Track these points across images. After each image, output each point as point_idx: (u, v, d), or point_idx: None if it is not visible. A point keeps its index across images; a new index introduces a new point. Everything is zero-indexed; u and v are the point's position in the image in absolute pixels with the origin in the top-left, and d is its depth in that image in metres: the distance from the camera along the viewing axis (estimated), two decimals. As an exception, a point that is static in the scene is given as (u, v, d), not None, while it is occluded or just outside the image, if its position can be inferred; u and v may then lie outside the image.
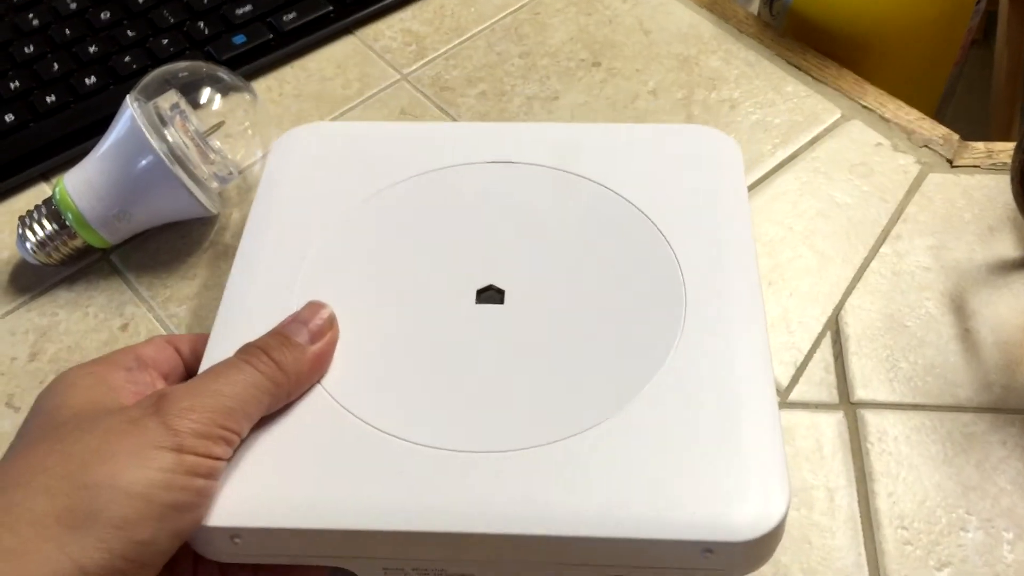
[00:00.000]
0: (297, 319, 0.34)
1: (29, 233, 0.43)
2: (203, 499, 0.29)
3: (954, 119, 0.59)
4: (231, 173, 0.45)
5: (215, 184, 0.45)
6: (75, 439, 0.29)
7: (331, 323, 0.34)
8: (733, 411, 0.32)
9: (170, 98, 0.43)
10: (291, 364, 0.32)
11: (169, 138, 0.42)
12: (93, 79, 0.51)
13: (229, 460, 0.30)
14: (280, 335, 0.33)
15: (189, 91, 0.44)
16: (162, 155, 0.42)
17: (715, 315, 0.35)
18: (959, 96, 0.65)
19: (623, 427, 0.32)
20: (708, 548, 0.29)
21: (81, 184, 0.43)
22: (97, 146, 0.43)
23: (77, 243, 0.44)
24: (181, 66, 0.45)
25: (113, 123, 0.43)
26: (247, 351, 0.32)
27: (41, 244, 0.43)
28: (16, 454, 0.30)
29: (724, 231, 0.37)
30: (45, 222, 0.43)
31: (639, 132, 0.41)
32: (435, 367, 0.34)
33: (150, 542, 0.28)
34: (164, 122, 0.43)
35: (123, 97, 0.43)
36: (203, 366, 0.34)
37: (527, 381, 0.33)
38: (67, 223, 0.43)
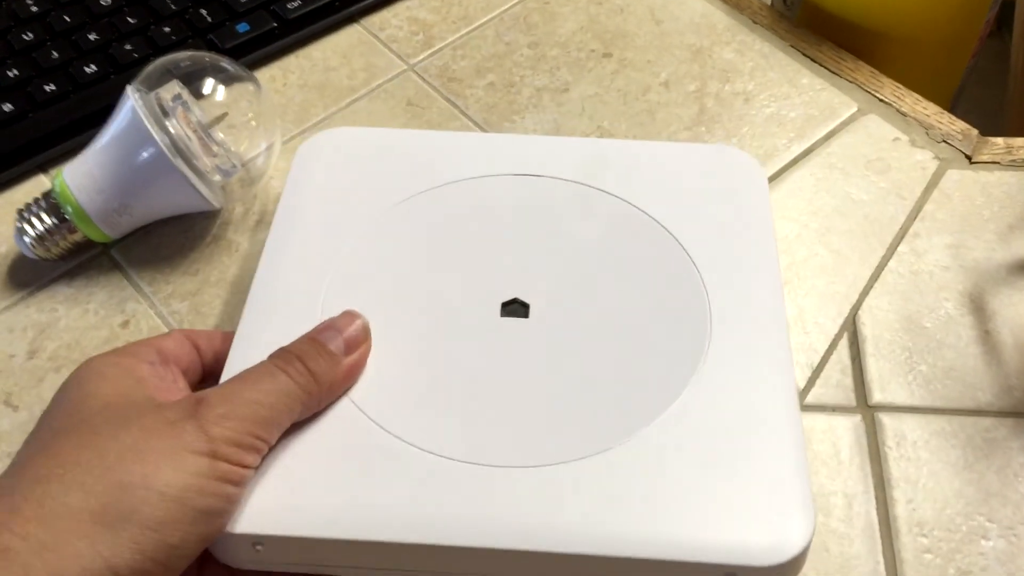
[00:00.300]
0: (333, 326, 0.33)
1: (27, 227, 0.42)
2: (231, 506, 0.30)
3: (966, 112, 0.57)
4: (234, 166, 0.44)
5: (218, 177, 0.44)
6: (109, 434, 0.28)
7: (366, 334, 0.34)
8: (759, 434, 0.32)
9: (172, 89, 0.42)
10: (325, 374, 0.32)
11: (171, 130, 0.41)
12: (93, 68, 0.50)
13: (257, 468, 0.30)
14: (315, 342, 0.32)
15: (191, 81, 0.43)
16: (164, 147, 0.41)
17: (740, 336, 0.34)
18: (970, 88, 0.64)
19: (648, 447, 0.31)
20: (732, 572, 0.29)
21: (81, 177, 0.42)
22: (97, 138, 0.42)
23: (77, 237, 0.43)
24: (183, 56, 0.44)
25: (114, 114, 0.42)
26: (282, 358, 0.32)
27: (40, 238, 0.42)
28: (45, 444, 0.29)
29: (749, 251, 0.37)
30: (44, 216, 0.42)
31: (664, 150, 0.41)
32: (460, 379, 0.34)
33: (179, 545, 0.28)
34: (166, 113, 0.42)
35: (124, 86, 0.42)
36: (227, 369, 0.34)
37: (552, 397, 0.33)
38: (67, 217, 0.42)
